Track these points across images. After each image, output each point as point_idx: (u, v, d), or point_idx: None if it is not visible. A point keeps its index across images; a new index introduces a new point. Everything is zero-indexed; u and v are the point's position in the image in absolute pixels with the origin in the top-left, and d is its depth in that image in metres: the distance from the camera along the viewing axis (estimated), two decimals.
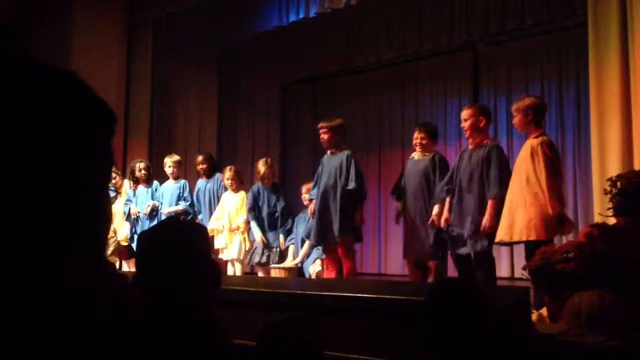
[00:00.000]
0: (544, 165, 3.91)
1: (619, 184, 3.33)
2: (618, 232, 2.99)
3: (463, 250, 4.34)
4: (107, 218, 0.61)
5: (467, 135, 4.53)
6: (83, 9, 7.39)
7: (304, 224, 5.78)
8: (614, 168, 4.58)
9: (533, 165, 3.94)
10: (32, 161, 0.52)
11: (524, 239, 3.90)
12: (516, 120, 4.18)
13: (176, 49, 8.38)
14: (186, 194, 6.34)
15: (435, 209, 4.65)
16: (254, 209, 5.93)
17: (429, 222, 4.70)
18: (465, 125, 4.45)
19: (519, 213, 3.92)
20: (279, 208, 5.93)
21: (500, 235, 4.05)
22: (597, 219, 3.95)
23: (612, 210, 3.35)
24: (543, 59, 8.06)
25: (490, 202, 4.20)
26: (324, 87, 10.08)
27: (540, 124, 4.16)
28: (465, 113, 4.50)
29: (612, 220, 3.36)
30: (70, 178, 0.55)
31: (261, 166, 5.96)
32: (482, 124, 4.43)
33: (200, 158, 6.63)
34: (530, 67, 8.15)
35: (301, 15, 7.67)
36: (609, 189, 3.38)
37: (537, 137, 4.07)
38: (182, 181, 6.43)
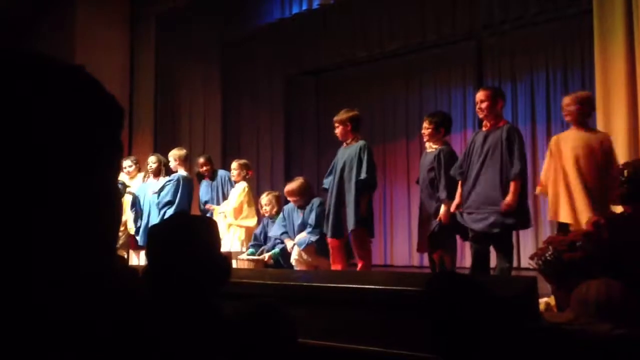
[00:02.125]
0: (613, 158, 4.13)
1: (625, 172, 3.31)
2: (625, 221, 2.98)
3: (477, 226, 4.33)
4: (118, 212, 0.61)
5: (482, 117, 4.49)
6: (86, 4, 7.40)
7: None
8: (621, 156, 4.57)
9: (609, 159, 4.14)
10: (39, 157, 0.52)
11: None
12: (576, 109, 4.30)
13: (179, 42, 8.38)
14: (167, 189, 6.34)
15: (442, 208, 4.67)
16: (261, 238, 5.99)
17: (437, 218, 4.71)
18: (483, 106, 4.40)
19: (588, 200, 4.09)
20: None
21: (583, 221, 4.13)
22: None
23: (619, 198, 3.34)
24: (547, 47, 8.01)
25: (514, 182, 4.21)
26: (328, 78, 10.07)
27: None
28: (481, 94, 4.44)
29: (619, 209, 3.36)
30: (80, 173, 0.55)
31: (263, 196, 6.05)
32: (499, 107, 4.44)
33: (202, 160, 6.74)
34: (534, 55, 8.11)
35: (304, 7, 7.66)
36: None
37: (599, 131, 4.34)
38: (177, 175, 6.39)
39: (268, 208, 5.93)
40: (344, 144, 5.12)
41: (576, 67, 7.72)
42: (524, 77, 8.22)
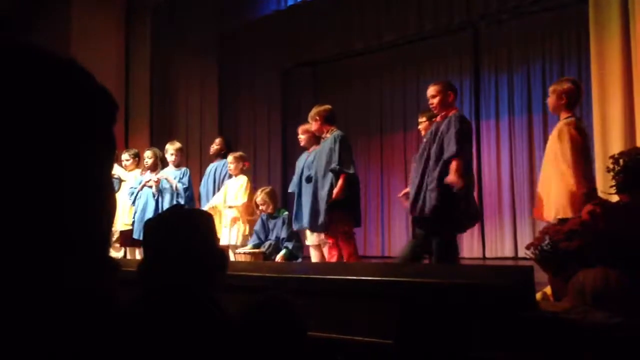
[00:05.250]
0: (570, 146, 3.96)
1: (621, 161, 3.31)
2: (621, 209, 2.99)
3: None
4: (111, 209, 0.60)
5: (436, 112, 4.53)
6: None
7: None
8: (616, 145, 4.58)
9: (561, 146, 4.00)
10: (29, 152, 0.51)
11: (552, 217, 3.93)
12: (550, 100, 4.22)
13: (175, 34, 8.34)
14: (185, 179, 6.39)
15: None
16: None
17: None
18: (435, 101, 4.47)
19: (551, 193, 4.02)
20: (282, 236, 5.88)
21: (537, 213, 4.16)
22: (600, 196, 3.95)
23: (614, 187, 3.34)
24: (544, 37, 8.01)
25: (454, 162, 4.20)
26: (325, 70, 10.04)
27: (572, 108, 4.17)
28: (432, 89, 4.50)
29: (615, 198, 3.36)
30: (71, 167, 0.54)
31: (258, 194, 6.04)
32: (450, 99, 4.46)
33: (217, 140, 6.78)
34: (531, 45, 8.10)
35: None
36: (611, 166, 3.36)
37: (566, 118, 4.12)
38: (184, 168, 6.50)
39: (264, 207, 5.95)
40: (322, 139, 5.15)
41: (573, 57, 7.72)
42: (521, 67, 8.22)
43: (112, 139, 0.59)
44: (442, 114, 4.47)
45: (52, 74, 0.54)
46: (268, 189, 6.14)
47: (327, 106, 5.19)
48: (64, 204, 0.53)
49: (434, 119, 5.04)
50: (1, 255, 0.49)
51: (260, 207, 5.96)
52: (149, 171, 6.53)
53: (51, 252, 0.52)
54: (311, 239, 5.36)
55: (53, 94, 0.53)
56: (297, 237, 5.72)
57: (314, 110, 5.15)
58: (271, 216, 5.92)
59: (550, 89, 4.26)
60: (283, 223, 5.80)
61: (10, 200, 0.50)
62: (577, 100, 4.24)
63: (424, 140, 4.56)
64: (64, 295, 0.53)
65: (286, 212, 5.87)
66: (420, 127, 5.21)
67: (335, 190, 4.81)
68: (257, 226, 6.00)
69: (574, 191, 3.90)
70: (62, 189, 0.53)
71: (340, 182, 4.83)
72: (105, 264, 0.59)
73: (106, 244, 0.60)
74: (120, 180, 6.58)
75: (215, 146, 6.68)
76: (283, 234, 5.76)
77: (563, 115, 4.16)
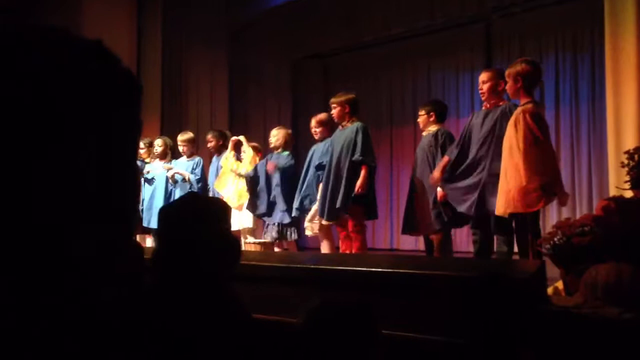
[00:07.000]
0: (523, 135, 3.72)
1: (636, 156, 3.29)
2: (635, 205, 2.96)
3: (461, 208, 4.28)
4: (137, 189, 0.60)
5: (484, 98, 4.41)
6: None
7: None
8: (630, 140, 4.54)
9: (516, 135, 3.75)
10: (60, 131, 0.52)
11: (501, 212, 3.77)
12: (507, 86, 4.01)
13: (186, 26, 8.34)
14: (197, 169, 6.41)
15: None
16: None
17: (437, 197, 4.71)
18: (484, 87, 4.33)
19: (502, 185, 3.80)
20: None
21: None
22: (614, 192, 3.92)
23: (629, 183, 3.31)
24: (557, 30, 7.93)
25: None
26: (335, 62, 10.02)
27: (530, 92, 3.92)
28: (484, 75, 4.38)
29: (629, 193, 3.34)
30: (100, 149, 0.54)
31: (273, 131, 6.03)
32: (500, 87, 4.32)
33: (208, 136, 6.72)
34: (544, 38, 8.04)
35: None
36: (626, 161, 3.34)
37: (524, 104, 3.86)
38: (197, 158, 6.50)
39: (273, 139, 5.88)
40: (340, 127, 5.13)
41: (586, 50, 7.66)
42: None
43: (138, 120, 0.59)
44: (492, 102, 4.35)
45: (80, 55, 0.54)
46: (289, 130, 6.11)
47: (352, 94, 5.14)
48: (90, 180, 0.53)
49: (431, 113, 5.03)
50: (30, 228, 0.50)
51: (270, 138, 5.93)
52: (157, 159, 6.56)
53: (77, 226, 0.52)
54: (316, 227, 5.31)
55: (82, 73, 0.53)
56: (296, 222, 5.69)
57: (338, 97, 5.11)
58: (278, 153, 5.85)
59: (506, 73, 4.02)
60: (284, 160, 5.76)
61: (38, 175, 0.50)
62: (535, 82, 3.99)
63: (471, 125, 4.42)
64: (88, 270, 0.53)
65: (290, 155, 5.84)
66: (420, 120, 5.18)
67: (358, 183, 4.77)
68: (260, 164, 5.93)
69: (523, 185, 3.64)
70: (89, 165, 0.53)
71: (363, 174, 4.79)
72: (132, 241, 0.59)
73: (132, 220, 0.60)
74: (144, 163, 6.59)
75: (209, 143, 6.64)
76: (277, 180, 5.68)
77: (522, 100, 3.91)
